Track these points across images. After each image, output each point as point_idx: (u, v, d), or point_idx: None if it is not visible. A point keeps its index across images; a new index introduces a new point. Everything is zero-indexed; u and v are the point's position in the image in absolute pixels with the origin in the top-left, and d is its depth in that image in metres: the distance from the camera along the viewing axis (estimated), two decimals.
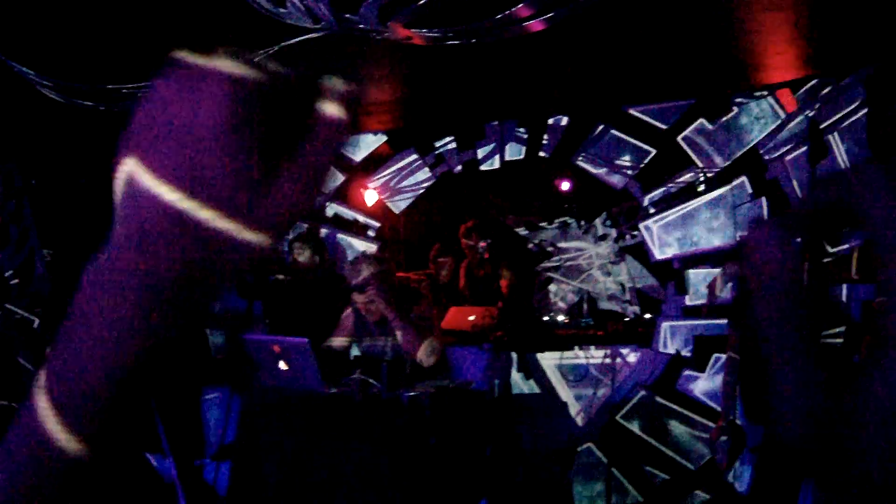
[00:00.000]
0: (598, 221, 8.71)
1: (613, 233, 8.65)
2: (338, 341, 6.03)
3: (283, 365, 5.43)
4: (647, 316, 7.93)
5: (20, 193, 8.42)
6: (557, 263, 8.69)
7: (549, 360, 7.64)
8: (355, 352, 6.03)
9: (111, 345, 0.68)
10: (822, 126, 6.64)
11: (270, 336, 5.75)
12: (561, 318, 7.93)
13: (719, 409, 5.88)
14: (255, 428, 5.70)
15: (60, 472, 0.68)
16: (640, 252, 8.13)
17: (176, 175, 0.65)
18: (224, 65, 0.65)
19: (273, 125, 0.67)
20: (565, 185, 8.40)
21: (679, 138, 7.57)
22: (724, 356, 6.61)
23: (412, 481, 5.13)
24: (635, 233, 8.47)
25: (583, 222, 8.74)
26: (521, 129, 8.02)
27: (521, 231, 8.78)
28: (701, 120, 7.53)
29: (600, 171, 7.85)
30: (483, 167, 8.16)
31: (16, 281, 8.35)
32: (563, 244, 8.78)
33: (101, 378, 0.68)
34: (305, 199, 0.68)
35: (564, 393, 7.71)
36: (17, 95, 6.72)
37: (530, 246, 8.75)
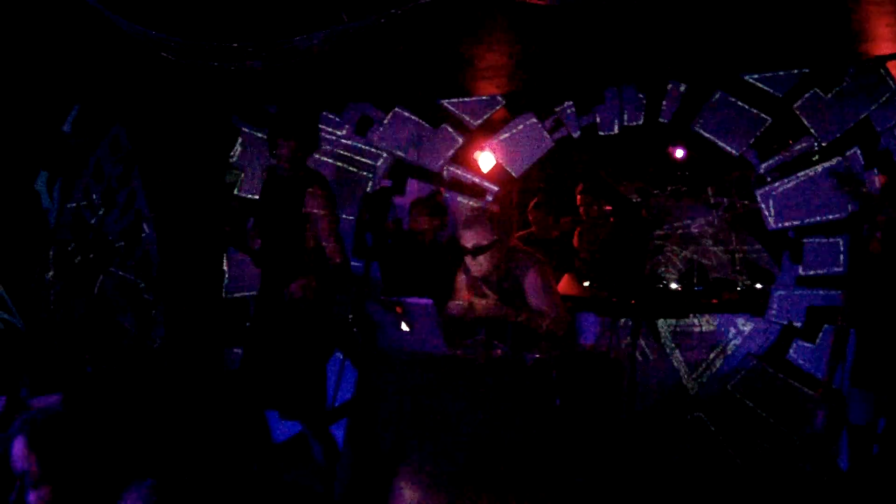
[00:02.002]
0: (710, 190, 8.68)
1: (725, 202, 8.61)
2: (454, 305, 6.07)
3: (405, 326, 5.46)
4: (759, 286, 7.89)
5: (128, 157, 8.56)
6: (669, 231, 8.66)
7: (662, 327, 7.65)
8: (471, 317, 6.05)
9: None
10: None
11: (393, 297, 5.77)
12: (673, 285, 7.93)
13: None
14: (373, 390, 5.74)
15: None
16: (751, 221, 8.07)
17: None
18: None
19: None
20: (679, 153, 8.35)
21: (794, 107, 7.49)
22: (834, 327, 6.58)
23: (536, 443, 5.16)
24: (746, 202, 8.42)
25: (695, 190, 8.70)
26: (641, 95, 7.95)
27: (634, 198, 8.77)
28: (815, 89, 7.45)
29: (718, 139, 7.78)
30: (602, 132, 8.13)
31: (121, 244, 8.50)
32: (675, 212, 8.75)
33: None
34: None
35: (677, 360, 7.71)
36: (124, 56, 6.82)
37: (643, 213, 8.74)
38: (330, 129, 8.59)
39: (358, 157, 8.63)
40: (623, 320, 7.35)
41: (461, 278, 6.03)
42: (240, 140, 8.61)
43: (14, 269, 8.48)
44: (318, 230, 6.09)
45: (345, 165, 8.58)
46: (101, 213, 8.46)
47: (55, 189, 8.63)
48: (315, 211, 6.05)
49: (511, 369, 5.27)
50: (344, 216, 8.30)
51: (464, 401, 5.29)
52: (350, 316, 7.43)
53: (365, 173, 8.58)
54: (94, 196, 8.56)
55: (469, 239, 5.68)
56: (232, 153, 8.62)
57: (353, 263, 7.85)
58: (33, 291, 8.50)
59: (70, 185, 8.63)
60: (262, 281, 6.27)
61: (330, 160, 8.53)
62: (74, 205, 8.60)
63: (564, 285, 6.88)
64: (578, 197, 8.53)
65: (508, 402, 5.20)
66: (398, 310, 5.46)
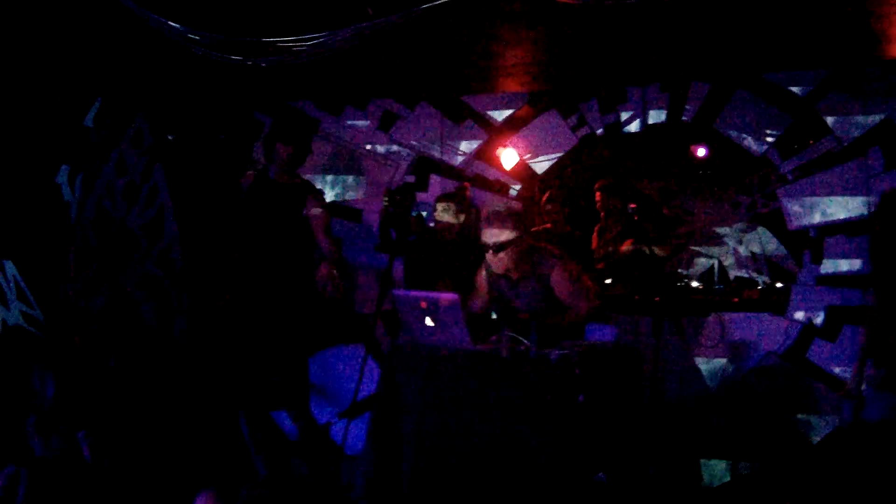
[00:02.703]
0: (731, 189, 8.66)
1: (746, 201, 8.59)
2: (475, 301, 6.09)
3: (429, 321, 5.47)
4: (779, 285, 7.89)
5: (150, 151, 8.57)
6: (690, 230, 8.65)
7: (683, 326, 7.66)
8: (493, 312, 6.07)
9: None
10: None
11: (418, 291, 5.78)
12: (694, 283, 7.92)
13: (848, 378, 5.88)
14: (396, 384, 5.75)
15: None
16: (773, 221, 8.07)
17: None
18: None
19: None
20: (701, 152, 8.35)
21: (816, 107, 7.52)
22: (854, 326, 6.60)
23: (560, 439, 5.17)
24: (767, 201, 8.41)
25: (716, 189, 8.69)
26: (664, 94, 7.98)
27: (655, 196, 8.75)
28: (836, 89, 7.48)
29: (740, 138, 7.80)
30: (625, 130, 8.15)
31: (144, 238, 8.52)
32: (696, 211, 8.74)
33: None
34: None
35: (698, 358, 7.72)
36: (147, 50, 6.86)
37: (665, 211, 8.72)
38: (353, 124, 8.62)
39: (381, 153, 8.66)
40: (644, 318, 7.37)
41: (482, 275, 6.05)
42: (262, 134, 8.64)
43: (34, 262, 8.50)
44: (315, 231, 6.27)
45: (368, 160, 8.61)
46: (123, 206, 8.48)
47: (77, 183, 8.64)
48: (315, 213, 6.19)
49: (535, 365, 5.28)
50: (368, 211, 8.36)
51: (487, 396, 5.30)
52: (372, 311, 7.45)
53: (388, 169, 8.61)
54: (117, 190, 8.58)
55: (491, 236, 5.70)
56: (255, 147, 8.66)
57: (376, 258, 7.93)
58: (54, 284, 8.52)
59: (92, 179, 8.64)
60: (247, 281, 6.36)
61: (353, 155, 8.56)
62: (96, 198, 8.62)
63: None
64: (597, 194, 8.53)
65: (532, 398, 5.20)
66: (423, 304, 5.47)
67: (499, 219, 5.71)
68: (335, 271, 6.11)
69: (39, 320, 8.39)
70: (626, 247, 8.09)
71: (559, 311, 5.74)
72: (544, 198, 8.69)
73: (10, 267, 8.40)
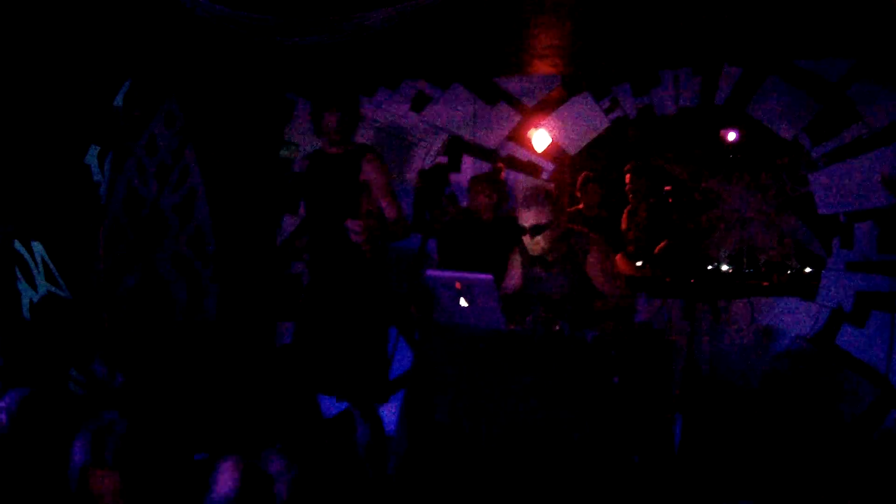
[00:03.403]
0: (761, 173, 8.67)
1: (776, 185, 8.60)
2: (510, 282, 6.09)
3: (463, 302, 5.48)
4: (808, 270, 7.89)
5: (182, 131, 8.58)
6: (720, 214, 8.66)
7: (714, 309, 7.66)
8: (528, 294, 6.06)
9: None
10: None
11: (452, 272, 5.77)
12: (724, 267, 7.93)
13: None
14: (430, 365, 5.76)
15: None
16: (802, 206, 8.07)
17: None
18: None
19: None
20: (731, 136, 8.36)
21: (847, 94, 7.50)
22: (883, 313, 6.59)
23: (595, 421, 5.18)
24: (797, 186, 8.42)
25: (746, 173, 8.70)
26: (696, 78, 7.97)
27: (686, 180, 8.77)
28: (867, 77, 7.47)
29: (771, 123, 7.79)
30: (658, 113, 8.14)
31: (175, 218, 8.54)
32: (726, 195, 8.75)
33: None
34: None
35: (728, 341, 7.72)
36: (179, 30, 6.85)
37: (695, 195, 8.73)
38: (386, 105, 8.63)
39: (414, 134, 8.67)
40: (674, 301, 7.39)
41: (516, 257, 6.05)
42: (295, 114, 8.66)
43: (63, 243, 8.53)
44: (375, 194, 6.09)
45: (400, 141, 8.62)
46: (154, 186, 8.50)
47: (106, 163, 8.67)
48: (372, 177, 6.06)
49: (570, 347, 5.28)
50: (400, 192, 8.35)
51: (522, 378, 5.31)
52: (405, 291, 7.44)
53: (421, 149, 8.62)
54: (148, 170, 8.60)
55: (527, 218, 5.70)
56: (287, 128, 8.67)
57: (409, 238, 7.90)
58: (82, 265, 8.56)
59: (122, 160, 8.67)
60: (316, 260, 6.26)
61: (386, 136, 8.58)
62: (126, 179, 8.64)
63: (617, 265, 6.90)
64: (627, 176, 8.54)
65: (567, 380, 5.21)
66: (457, 285, 5.48)
67: (534, 201, 5.70)
68: (377, 230, 5.96)
69: (68, 300, 8.44)
70: (662, 246, 8.12)
71: (592, 295, 5.75)
72: (580, 180, 8.71)
73: (37, 247, 8.45)
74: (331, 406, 7.40)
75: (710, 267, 7.89)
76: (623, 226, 8.60)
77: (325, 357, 6.06)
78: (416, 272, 6.02)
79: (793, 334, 7.60)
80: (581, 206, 8.66)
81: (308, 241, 6.26)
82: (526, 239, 5.75)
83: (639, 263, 7.72)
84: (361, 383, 6.09)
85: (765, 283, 7.68)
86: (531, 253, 5.82)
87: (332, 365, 6.06)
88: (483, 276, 5.34)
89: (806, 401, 7.36)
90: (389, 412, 6.35)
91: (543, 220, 5.65)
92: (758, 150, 8.31)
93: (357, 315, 6.05)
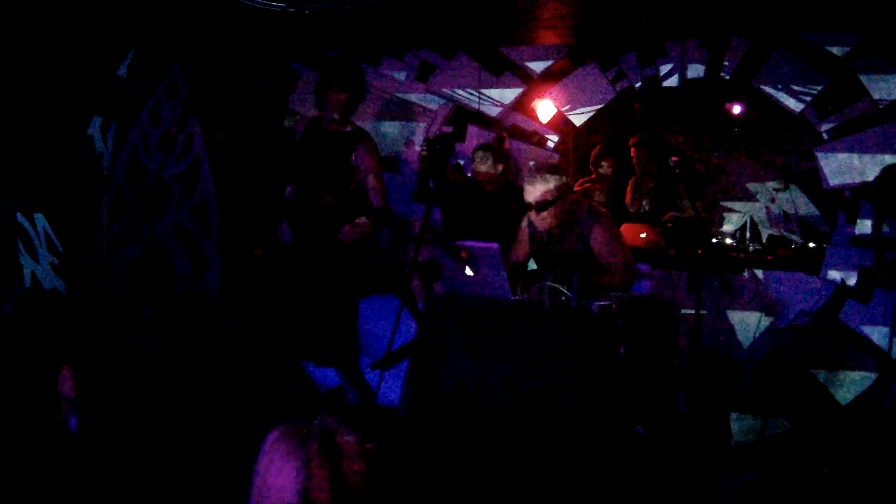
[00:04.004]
0: (765, 147, 8.65)
1: (780, 159, 8.59)
2: (517, 253, 6.09)
3: (469, 271, 5.48)
4: (812, 245, 7.87)
5: (186, 101, 8.56)
6: (723, 187, 8.65)
7: (717, 282, 7.65)
8: (532, 265, 6.07)
9: None
10: None
11: (458, 241, 5.77)
12: (728, 240, 7.92)
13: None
14: (434, 334, 5.76)
15: None
16: (806, 181, 8.05)
17: None
18: None
19: None
20: (737, 109, 8.34)
21: (853, 68, 7.46)
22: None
23: (599, 391, 5.17)
24: (801, 161, 8.40)
25: (751, 147, 8.68)
26: (702, 49, 7.94)
27: (689, 152, 8.75)
28: (874, 52, 7.42)
29: (777, 96, 7.76)
30: (663, 85, 8.12)
31: (178, 188, 8.52)
32: (729, 168, 8.74)
33: None
34: None
35: (732, 314, 7.71)
36: None
37: (698, 167, 8.73)
38: (390, 74, 8.60)
39: (418, 103, 8.63)
40: (679, 273, 7.38)
41: (524, 227, 6.05)
42: (299, 85, 8.63)
43: (65, 214, 8.53)
44: (365, 180, 6.13)
45: (405, 111, 8.59)
46: (157, 157, 8.49)
47: (109, 134, 8.66)
48: (365, 163, 6.09)
49: (576, 316, 5.28)
50: (404, 160, 8.34)
51: (527, 346, 5.31)
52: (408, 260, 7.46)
53: (425, 119, 8.59)
54: (151, 140, 8.59)
55: (533, 193, 5.71)
56: (291, 98, 8.64)
57: (413, 208, 7.89)
58: (85, 236, 8.56)
59: (125, 130, 8.66)
60: (297, 229, 6.28)
61: (391, 106, 8.56)
62: (129, 149, 8.63)
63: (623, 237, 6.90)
64: (632, 149, 8.53)
65: (572, 350, 5.21)
66: (463, 254, 5.48)
67: (541, 177, 5.71)
68: (370, 220, 6.03)
69: (69, 271, 8.45)
70: (667, 217, 8.10)
71: (598, 269, 5.75)
72: (593, 154, 8.70)
73: (40, 219, 8.45)
74: (329, 380, 7.42)
75: (714, 240, 7.87)
76: (627, 198, 8.59)
77: (302, 321, 6.13)
78: (419, 242, 6.01)
79: (797, 309, 7.58)
80: (594, 177, 8.67)
81: (292, 205, 6.32)
82: (532, 214, 5.76)
83: (643, 235, 7.69)
84: (336, 348, 6.15)
85: (769, 257, 7.67)
86: (538, 228, 5.83)
87: (308, 329, 6.12)
88: (489, 244, 5.35)
89: (808, 376, 7.35)
90: (393, 382, 6.36)
91: (549, 197, 5.66)
92: (763, 124, 8.28)
93: (329, 281, 6.11)
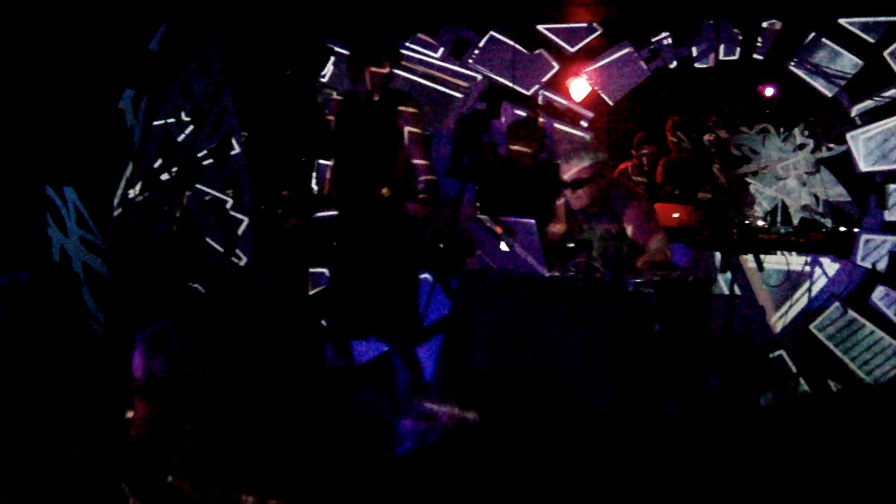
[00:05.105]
0: (796, 130, 8.62)
1: (811, 143, 8.56)
2: (553, 229, 6.09)
3: (504, 246, 5.48)
4: (842, 229, 7.85)
5: (218, 75, 8.56)
6: (755, 169, 8.63)
7: (750, 263, 7.63)
8: (569, 242, 6.05)
9: None
10: None
11: (494, 216, 5.76)
12: (760, 223, 7.90)
13: None
14: (468, 309, 5.76)
15: None
16: (837, 165, 8.03)
17: None
18: None
19: None
20: (769, 91, 8.31)
21: (885, 53, 7.44)
22: None
23: (634, 369, 5.17)
24: (832, 145, 8.38)
25: (782, 129, 8.65)
26: (736, 30, 7.92)
27: (722, 133, 8.72)
28: None
29: (811, 80, 7.74)
30: (697, 65, 8.11)
31: (210, 161, 8.53)
32: (761, 150, 8.71)
33: None
34: None
35: (763, 296, 7.70)
36: None
37: (732, 149, 8.70)
38: (425, 51, 8.60)
39: (453, 80, 8.62)
40: (710, 253, 7.39)
41: (561, 205, 6.05)
42: (332, 60, 8.63)
43: (95, 188, 8.55)
44: (409, 147, 6.12)
45: (440, 87, 8.59)
46: (189, 130, 8.50)
47: (140, 107, 8.67)
48: (407, 129, 6.06)
49: (611, 293, 5.28)
50: (438, 137, 8.33)
51: (562, 323, 5.31)
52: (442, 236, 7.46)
53: (460, 95, 8.58)
54: (183, 114, 8.60)
55: (568, 172, 5.71)
56: (323, 73, 8.64)
57: (446, 184, 7.88)
58: (115, 210, 8.58)
59: (157, 104, 8.66)
60: (346, 203, 6.27)
61: (425, 82, 8.55)
62: (162, 123, 8.64)
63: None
64: (669, 131, 8.51)
65: (607, 327, 5.21)
66: (499, 229, 5.48)
67: (576, 156, 5.72)
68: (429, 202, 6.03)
69: (99, 246, 8.46)
70: (703, 194, 8.08)
71: (633, 251, 5.75)
72: (635, 140, 8.68)
73: (70, 193, 8.46)
74: (366, 351, 7.42)
75: (746, 222, 7.85)
76: (658, 178, 8.56)
77: (360, 301, 6.10)
78: (454, 218, 6.01)
79: (828, 292, 7.57)
80: (635, 162, 8.66)
81: (335, 181, 6.29)
82: (567, 193, 5.76)
83: (675, 215, 7.67)
84: (398, 325, 6.13)
85: (801, 240, 7.64)
86: (573, 207, 5.83)
87: (366, 308, 6.10)
88: (525, 220, 5.34)
89: (835, 359, 7.35)
90: (425, 359, 6.37)
91: (585, 175, 5.67)
92: (795, 107, 8.26)
93: (388, 257, 6.10)
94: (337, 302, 6.23)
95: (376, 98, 6.09)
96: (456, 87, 8.55)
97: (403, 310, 6.15)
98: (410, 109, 6.11)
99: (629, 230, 5.74)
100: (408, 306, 6.19)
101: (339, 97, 6.45)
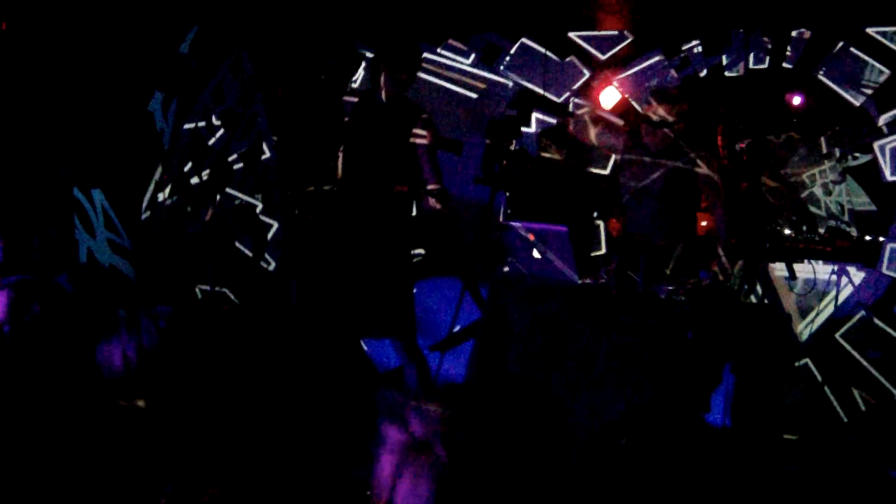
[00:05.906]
0: (822, 139, 8.63)
1: (837, 152, 8.57)
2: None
3: (536, 253, 5.52)
4: (868, 238, 7.87)
5: (250, 80, 8.60)
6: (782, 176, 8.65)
7: (777, 271, 7.66)
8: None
9: None
10: None
11: (526, 222, 5.81)
12: (786, 231, 7.92)
13: None
14: (499, 316, 5.79)
15: None
16: (862, 174, 8.04)
17: None
18: None
19: None
20: (796, 100, 8.32)
21: None
22: None
23: (667, 374, 5.20)
24: (857, 154, 8.38)
25: (808, 138, 8.67)
26: (766, 39, 7.95)
27: (749, 142, 8.74)
28: None
29: (839, 88, 7.77)
30: (727, 74, 8.14)
31: (240, 165, 8.58)
32: (787, 158, 8.73)
33: None
34: None
35: (789, 304, 7.72)
36: None
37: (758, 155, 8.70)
38: (456, 58, 8.65)
39: (484, 86, 8.66)
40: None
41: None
42: (363, 65, 8.67)
43: (124, 190, 8.60)
44: (419, 156, 6.19)
45: (470, 93, 8.63)
46: (220, 134, 8.55)
47: (170, 110, 8.73)
48: (423, 139, 6.14)
49: (643, 301, 5.32)
50: (469, 143, 8.37)
51: (593, 331, 5.34)
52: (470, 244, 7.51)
53: (491, 102, 8.63)
54: (214, 117, 8.65)
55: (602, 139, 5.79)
56: (354, 78, 8.69)
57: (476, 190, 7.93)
58: (144, 213, 8.64)
59: (187, 107, 8.72)
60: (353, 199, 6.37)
61: (456, 88, 8.60)
62: (192, 126, 8.69)
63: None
64: (719, 139, 8.53)
65: (639, 334, 5.24)
66: (531, 236, 5.51)
67: (613, 134, 5.78)
68: (439, 205, 6.11)
69: (126, 248, 8.52)
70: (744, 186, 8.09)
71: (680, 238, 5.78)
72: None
73: (98, 195, 8.53)
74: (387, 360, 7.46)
75: (772, 228, 7.88)
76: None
77: (362, 298, 6.21)
78: (485, 225, 6.06)
79: (854, 300, 7.59)
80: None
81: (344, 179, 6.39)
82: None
83: (703, 223, 7.70)
84: (398, 319, 6.21)
85: (828, 248, 7.66)
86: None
87: (364, 301, 6.21)
88: (557, 227, 5.38)
89: (862, 368, 7.37)
90: (458, 364, 6.40)
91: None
92: (822, 115, 8.28)
93: (387, 256, 6.23)
94: (341, 300, 6.32)
95: (392, 103, 6.18)
96: (486, 94, 8.58)
97: (401, 304, 6.25)
98: (427, 120, 6.23)
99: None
100: (404, 300, 6.28)
101: (354, 98, 6.53)
